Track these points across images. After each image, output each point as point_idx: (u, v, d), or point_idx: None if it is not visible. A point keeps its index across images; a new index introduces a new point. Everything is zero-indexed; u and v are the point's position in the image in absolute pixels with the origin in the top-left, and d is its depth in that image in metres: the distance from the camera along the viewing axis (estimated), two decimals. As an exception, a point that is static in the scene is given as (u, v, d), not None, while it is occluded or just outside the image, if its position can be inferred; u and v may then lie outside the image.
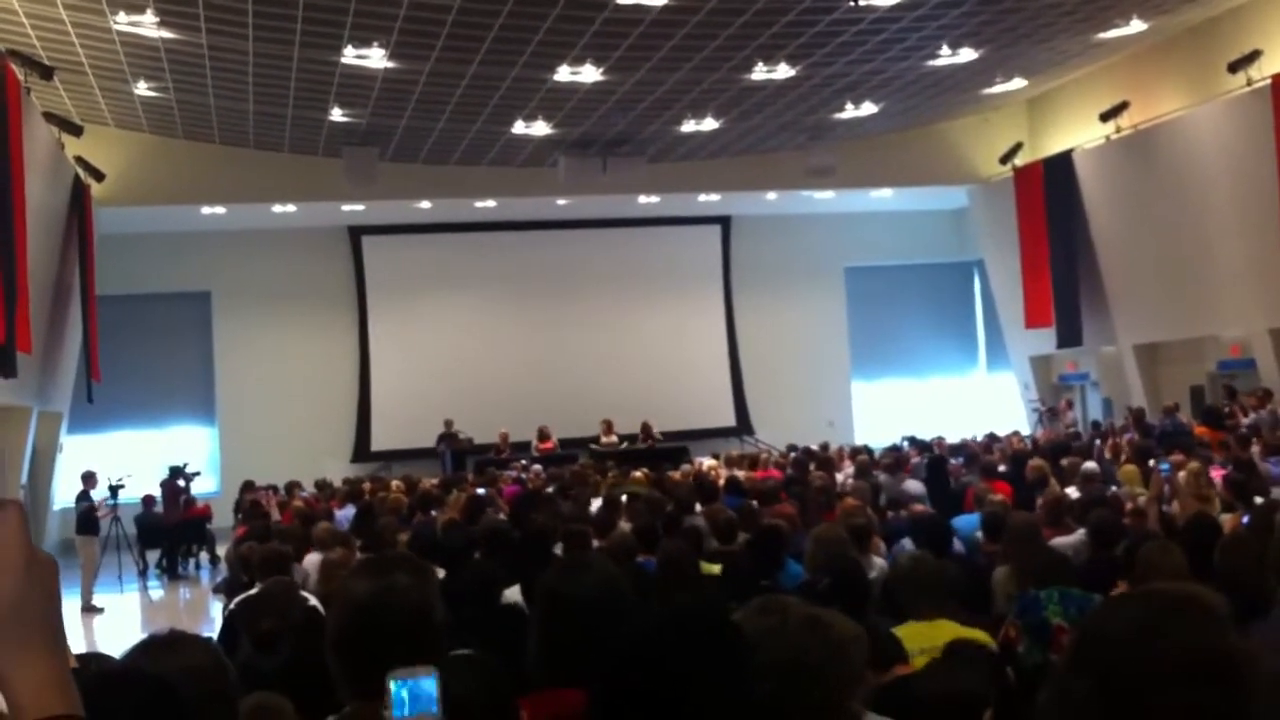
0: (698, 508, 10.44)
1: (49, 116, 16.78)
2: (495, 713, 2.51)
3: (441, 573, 6.05)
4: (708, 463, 17.33)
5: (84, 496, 16.90)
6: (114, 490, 17.75)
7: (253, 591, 6.66)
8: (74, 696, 1.29)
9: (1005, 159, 22.72)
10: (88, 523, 16.52)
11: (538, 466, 18.15)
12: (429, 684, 1.92)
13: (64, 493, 19.44)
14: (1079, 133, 21.19)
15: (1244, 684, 1.55)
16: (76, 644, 1.37)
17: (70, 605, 14.60)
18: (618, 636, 2.40)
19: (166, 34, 14.38)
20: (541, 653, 2.98)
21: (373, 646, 2.43)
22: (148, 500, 19.47)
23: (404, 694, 1.91)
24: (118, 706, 1.30)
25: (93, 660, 2.74)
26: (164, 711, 2.15)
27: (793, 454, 17.20)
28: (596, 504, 11.16)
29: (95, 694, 1.35)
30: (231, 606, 7.06)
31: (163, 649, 2.56)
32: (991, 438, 18.45)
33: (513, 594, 5.96)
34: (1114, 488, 10.89)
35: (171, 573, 18.78)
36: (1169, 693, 1.53)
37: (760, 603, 2.52)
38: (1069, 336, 21.47)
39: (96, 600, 15.94)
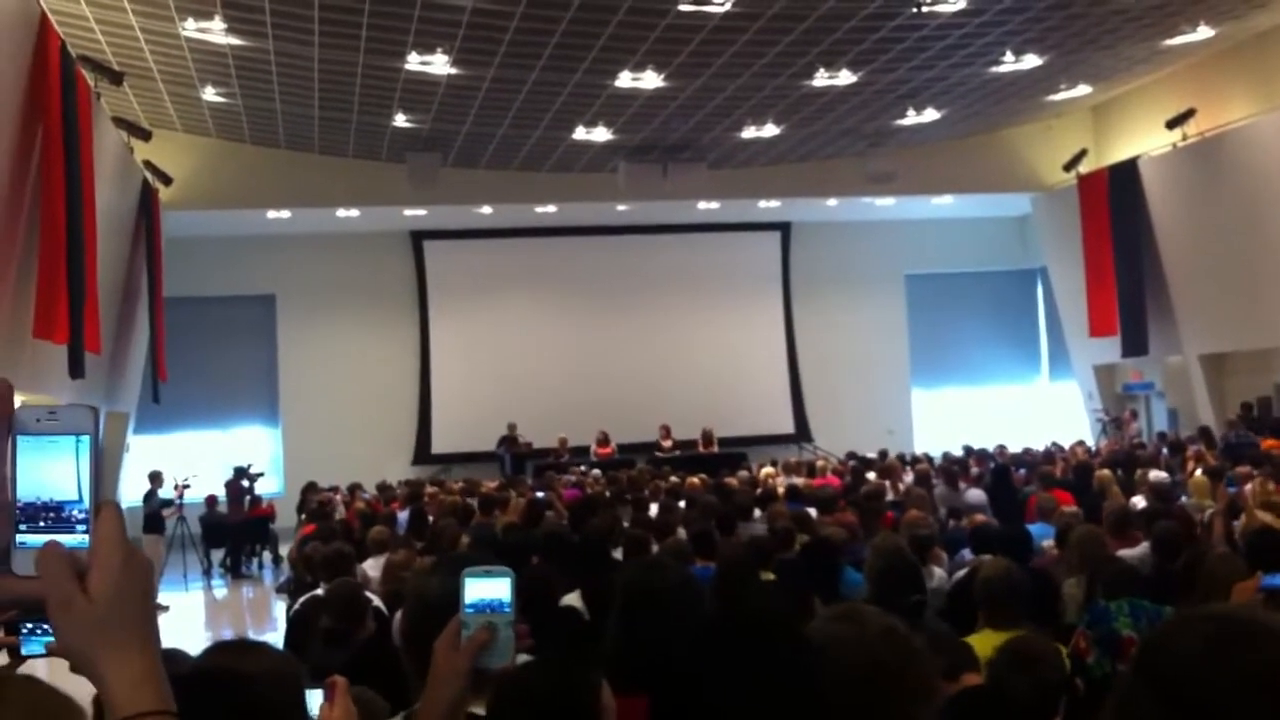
0: (756, 513, 10.42)
1: (118, 121, 17.00)
2: (582, 714, 2.51)
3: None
4: (766, 470, 17.27)
5: (151, 496, 17.15)
6: (180, 490, 18.01)
7: (318, 591, 6.72)
8: (167, 693, 1.32)
9: (1069, 166, 22.45)
10: (154, 522, 16.78)
11: (596, 471, 18.18)
12: (504, 583, 1.91)
13: (130, 492, 19.72)
14: (1145, 140, 20.91)
15: None
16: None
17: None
18: (678, 641, 2.40)
19: (234, 40, 14.59)
20: (619, 648, 2.98)
21: None
22: (211, 500, 19.72)
23: (478, 591, 1.91)
24: (201, 703, 1.34)
25: (169, 658, 2.78)
26: (244, 708, 2.19)
27: (851, 462, 17.11)
28: (655, 509, 11.16)
29: (180, 691, 1.38)
30: (297, 606, 7.14)
31: (237, 652, 2.60)
32: (1055, 447, 18.23)
33: (571, 599, 5.97)
34: (1183, 499, 10.71)
35: (235, 572, 19.02)
36: (1233, 711, 1.52)
37: (838, 610, 2.52)
38: (1134, 346, 21.16)
39: (162, 599, 16.16)
